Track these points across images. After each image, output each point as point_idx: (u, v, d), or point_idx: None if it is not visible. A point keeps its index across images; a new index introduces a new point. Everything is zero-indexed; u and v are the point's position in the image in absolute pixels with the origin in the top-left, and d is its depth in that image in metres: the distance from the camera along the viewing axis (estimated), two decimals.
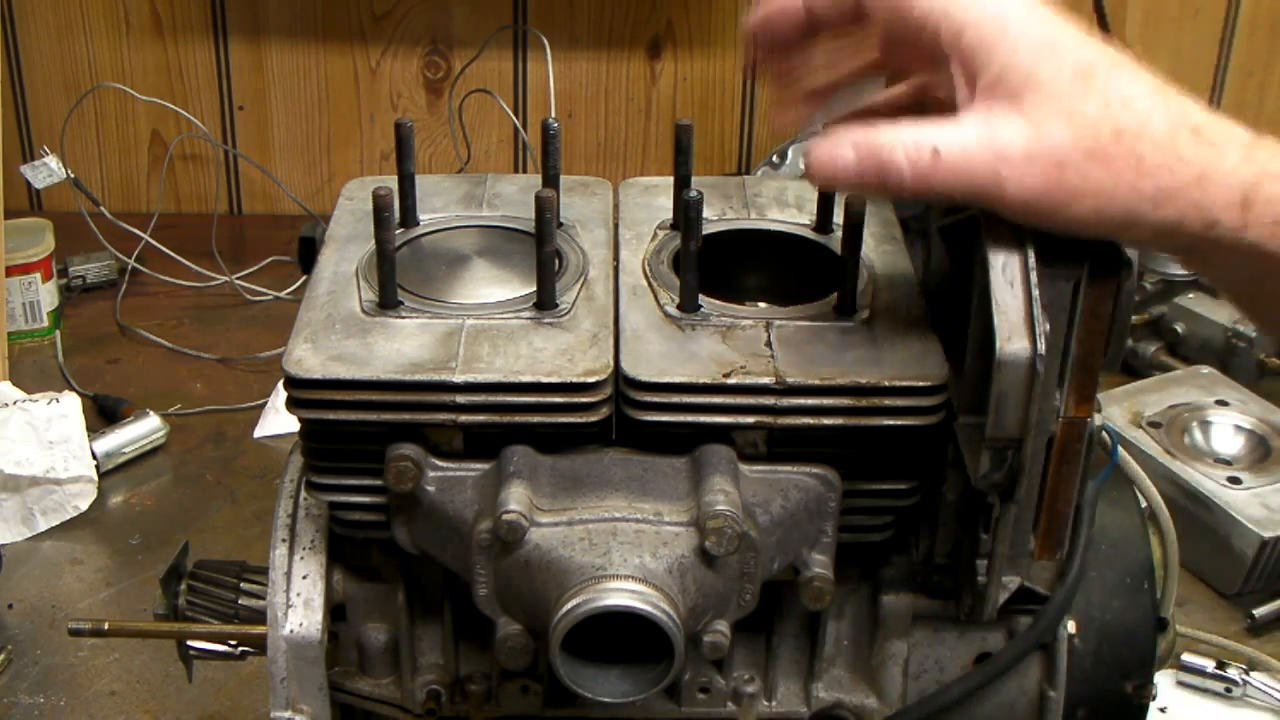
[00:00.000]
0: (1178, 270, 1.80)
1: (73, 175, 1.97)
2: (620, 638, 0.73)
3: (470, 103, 2.11)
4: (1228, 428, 1.55)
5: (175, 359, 1.84)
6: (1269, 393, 1.63)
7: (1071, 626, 0.85)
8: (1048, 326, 0.72)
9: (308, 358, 0.78)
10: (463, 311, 0.83)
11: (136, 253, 1.98)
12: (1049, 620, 0.83)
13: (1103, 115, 0.68)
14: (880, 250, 0.89)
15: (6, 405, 1.54)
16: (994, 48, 0.70)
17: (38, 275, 1.84)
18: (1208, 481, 1.46)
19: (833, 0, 0.75)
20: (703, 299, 0.83)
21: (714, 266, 0.86)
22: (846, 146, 0.72)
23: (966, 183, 0.69)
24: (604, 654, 0.74)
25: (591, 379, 0.77)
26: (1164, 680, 1.30)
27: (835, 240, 0.88)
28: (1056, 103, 0.68)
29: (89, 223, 1.95)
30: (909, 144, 0.70)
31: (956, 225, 0.82)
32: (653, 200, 0.95)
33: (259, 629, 0.86)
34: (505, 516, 0.74)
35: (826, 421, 0.77)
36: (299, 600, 0.84)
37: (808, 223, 0.92)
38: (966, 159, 0.69)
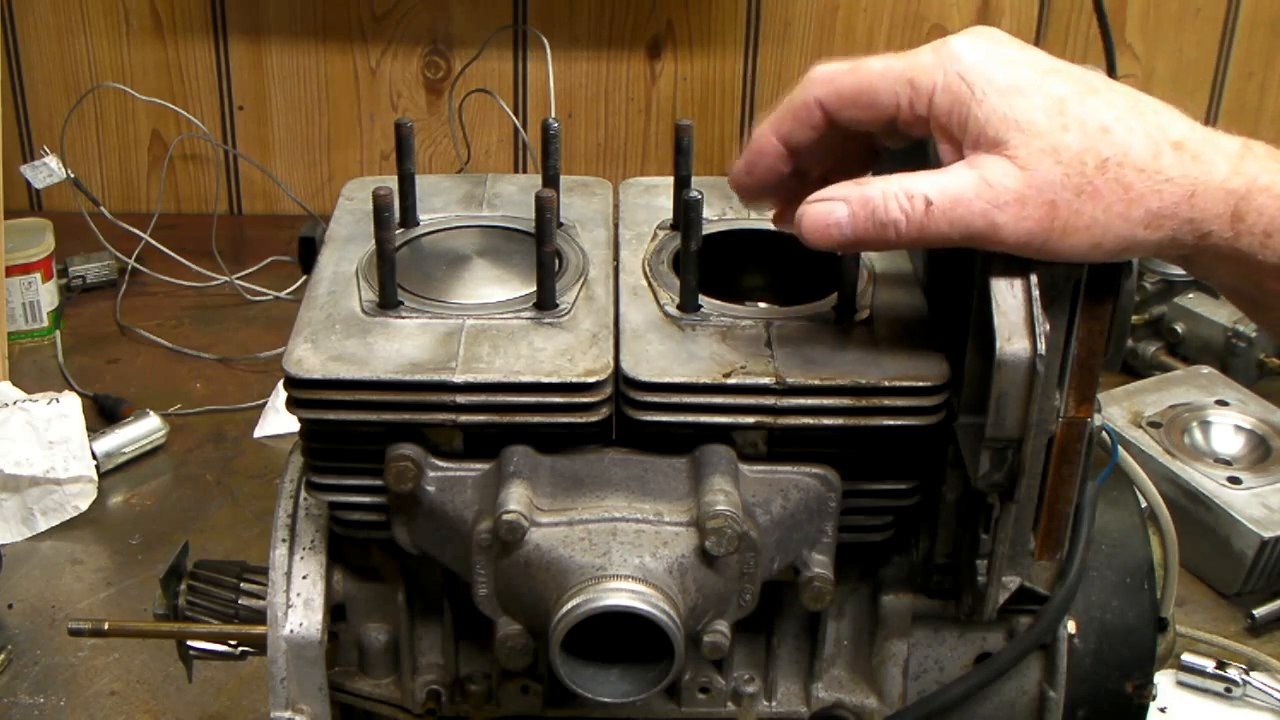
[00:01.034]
0: (1178, 270, 1.80)
1: (73, 175, 1.97)
2: (620, 638, 0.73)
3: (470, 103, 2.11)
4: (1228, 428, 1.55)
5: (175, 359, 1.84)
6: (1269, 393, 1.63)
7: (1071, 626, 0.85)
8: (1048, 326, 0.72)
9: (308, 358, 0.78)
10: (463, 311, 0.83)
11: (136, 253, 1.98)
12: (1049, 620, 0.83)
13: (1084, 146, 0.69)
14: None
15: (6, 405, 1.54)
16: (965, 104, 0.70)
17: (38, 275, 1.84)
18: (1208, 481, 1.46)
19: (802, 122, 0.75)
20: (703, 299, 0.83)
21: (714, 266, 0.86)
22: (839, 205, 0.72)
23: (962, 229, 0.70)
24: (604, 654, 0.74)
25: (591, 379, 0.77)
26: (1164, 680, 1.30)
27: None
28: (1039, 141, 0.69)
29: (89, 223, 1.95)
30: (901, 195, 0.71)
31: None
32: (653, 200, 0.95)
33: (259, 629, 0.86)
34: (505, 516, 0.74)
35: (826, 421, 0.77)
36: (299, 600, 0.84)
37: None
38: (959, 205, 0.70)
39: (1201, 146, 0.69)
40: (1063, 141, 0.69)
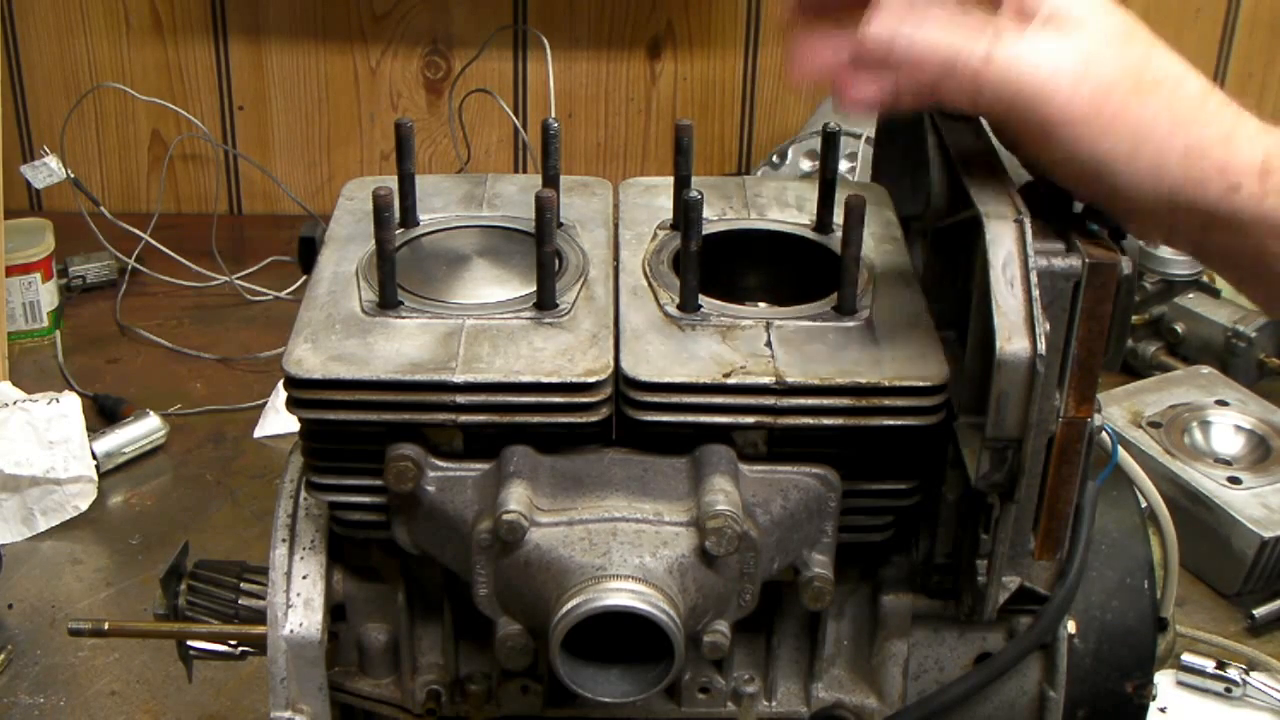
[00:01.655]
0: (1178, 270, 1.80)
1: (73, 175, 1.97)
2: (620, 638, 0.73)
3: (470, 103, 2.11)
4: (1228, 428, 1.55)
5: (175, 359, 1.84)
6: (1269, 393, 1.64)
7: (1071, 626, 0.86)
8: (1048, 326, 0.72)
9: (308, 358, 0.78)
10: (463, 311, 0.83)
11: (136, 253, 1.98)
12: (1049, 620, 0.83)
13: (1144, 63, 0.71)
14: (880, 250, 0.89)
15: (6, 405, 1.54)
16: None
17: (38, 275, 1.84)
18: (1208, 481, 1.46)
19: None
20: (703, 299, 0.83)
21: (714, 266, 0.86)
22: (903, 33, 0.71)
23: (1013, 93, 0.70)
24: (604, 654, 0.74)
25: (591, 379, 0.77)
26: (1164, 680, 1.30)
27: (835, 240, 0.88)
28: (1105, 42, 0.71)
29: (89, 223, 1.95)
30: (962, 47, 0.70)
31: (956, 225, 0.82)
32: (653, 200, 0.95)
33: (259, 629, 0.86)
34: (505, 516, 0.74)
35: (826, 421, 0.77)
36: (299, 600, 0.84)
37: (808, 223, 0.92)
38: (1018, 67, 0.70)
39: (1235, 106, 0.73)
40: (1127, 51, 0.71)
